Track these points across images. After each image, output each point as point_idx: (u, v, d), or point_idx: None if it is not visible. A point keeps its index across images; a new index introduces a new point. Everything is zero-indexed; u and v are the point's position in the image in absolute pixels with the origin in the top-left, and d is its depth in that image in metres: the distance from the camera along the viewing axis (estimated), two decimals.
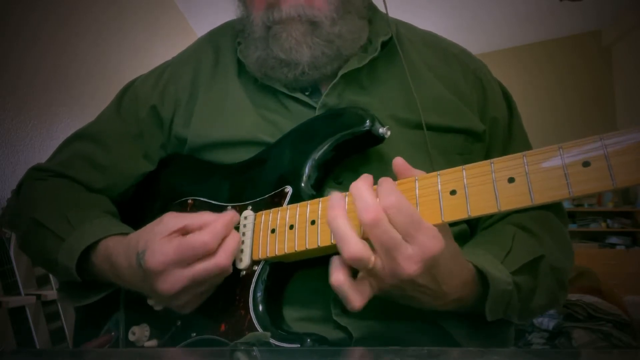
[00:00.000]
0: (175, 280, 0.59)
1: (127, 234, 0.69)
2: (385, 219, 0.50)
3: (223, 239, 0.61)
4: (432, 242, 0.50)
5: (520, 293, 0.63)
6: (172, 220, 0.62)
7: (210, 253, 0.59)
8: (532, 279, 0.66)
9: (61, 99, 2.42)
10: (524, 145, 0.81)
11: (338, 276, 0.53)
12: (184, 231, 0.61)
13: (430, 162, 0.71)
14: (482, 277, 0.59)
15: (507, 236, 0.68)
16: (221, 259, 0.60)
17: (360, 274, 0.54)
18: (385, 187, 0.52)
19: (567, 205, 4.33)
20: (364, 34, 0.77)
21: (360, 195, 0.52)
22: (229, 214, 0.63)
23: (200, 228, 0.61)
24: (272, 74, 0.74)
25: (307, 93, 0.76)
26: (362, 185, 0.53)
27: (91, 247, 0.68)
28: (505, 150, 0.77)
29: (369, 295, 0.54)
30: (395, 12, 0.82)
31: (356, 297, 0.53)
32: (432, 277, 0.53)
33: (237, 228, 0.68)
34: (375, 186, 0.55)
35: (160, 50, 3.41)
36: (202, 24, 4.16)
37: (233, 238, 0.62)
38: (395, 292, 0.55)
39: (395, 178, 0.57)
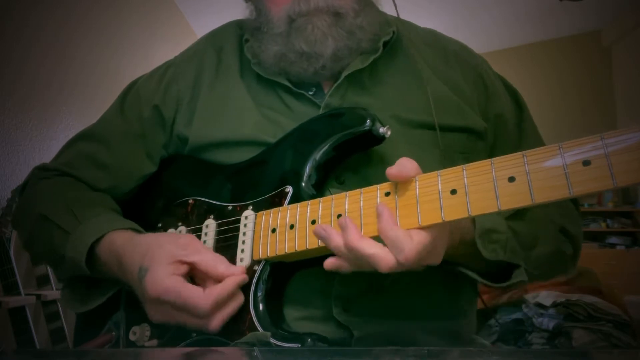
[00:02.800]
0: (164, 314, 0.60)
1: (133, 229, 0.69)
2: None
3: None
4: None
5: (518, 237, 0.65)
6: (187, 248, 0.62)
7: (204, 317, 0.59)
8: (527, 226, 0.68)
9: (61, 99, 2.42)
10: (537, 141, 0.82)
11: (370, 244, 0.53)
12: (192, 266, 0.61)
13: (439, 161, 0.71)
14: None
15: None
16: (215, 325, 0.59)
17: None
18: (396, 239, 0.52)
19: None
20: (383, 26, 0.78)
21: (367, 254, 0.52)
22: (239, 277, 0.62)
23: (207, 273, 0.61)
24: (290, 68, 0.74)
25: (310, 93, 0.76)
26: (358, 244, 0.53)
27: (96, 241, 0.68)
28: (517, 149, 0.77)
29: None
30: (395, 11, 0.82)
31: (387, 256, 0.52)
32: (430, 255, 0.54)
33: (238, 228, 0.68)
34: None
35: (160, 50, 3.41)
36: (202, 24, 4.16)
37: (235, 303, 0.61)
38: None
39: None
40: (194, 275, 0.63)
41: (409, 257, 0.50)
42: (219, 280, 0.61)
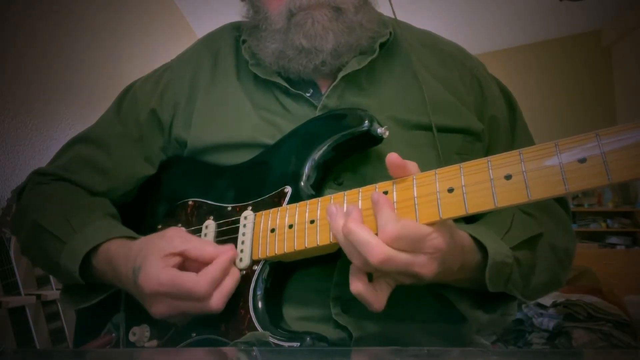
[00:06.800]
0: (164, 307, 0.60)
1: (129, 237, 0.69)
2: (392, 252, 0.51)
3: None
4: (437, 242, 0.52)
5: (520, 268, 0.65)
6: (174, 240, 0.62)
7: (204, 299, 0.59)
8: (531, 255, 0.67)
9: (61, 99, 2.43)
10: (528, 142, 0.82)
11: (357, 285, 0.54)
12: (183, 255, 0.62)
13: (436, 162, 0.71)
14: (482, 249, 0.61)
15: (506, 217, 0.70)
16: (216, 303, 0.60)
17: (375, 275, 0.55)
18: (381, 217, 0.52)
19: None
20: (380, 26, 0.78)
21: (360, 240, 0.52)
22: (228, 253, 0.62)
23: (197, 259, 0.61)
24: (289, 66, 0.74)
25: (308, 94, 0.76)
26: (355, 228, 0.52)
27: (92, 250, 0.68)
28: (509, 150, 0.78)
29: (387, 294, 0.55)
30: (395, 11, 0.82)
31: (376, 299, 0.54)
32: (442, 263, 0.54)
33: (237, 228, 0.68)
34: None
35: (159, 49, 3.41)
36: (202, 24, 4.16)
37: (231, 279, 0.62)
38: (411, 282, 0.56)
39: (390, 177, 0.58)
40: (187, 267, 0.63)
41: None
42: (210, 263, 0.61)
